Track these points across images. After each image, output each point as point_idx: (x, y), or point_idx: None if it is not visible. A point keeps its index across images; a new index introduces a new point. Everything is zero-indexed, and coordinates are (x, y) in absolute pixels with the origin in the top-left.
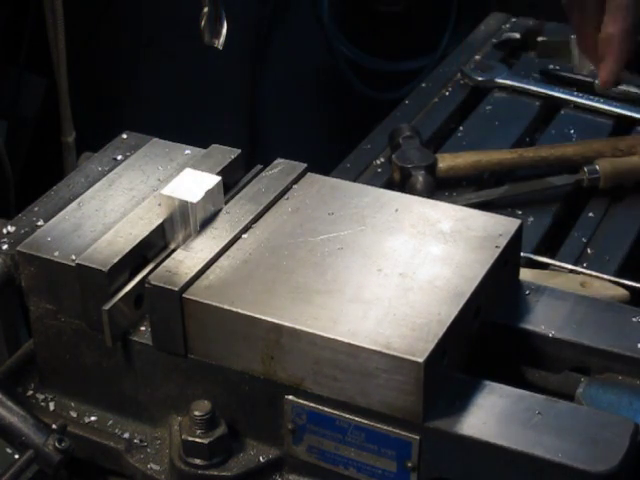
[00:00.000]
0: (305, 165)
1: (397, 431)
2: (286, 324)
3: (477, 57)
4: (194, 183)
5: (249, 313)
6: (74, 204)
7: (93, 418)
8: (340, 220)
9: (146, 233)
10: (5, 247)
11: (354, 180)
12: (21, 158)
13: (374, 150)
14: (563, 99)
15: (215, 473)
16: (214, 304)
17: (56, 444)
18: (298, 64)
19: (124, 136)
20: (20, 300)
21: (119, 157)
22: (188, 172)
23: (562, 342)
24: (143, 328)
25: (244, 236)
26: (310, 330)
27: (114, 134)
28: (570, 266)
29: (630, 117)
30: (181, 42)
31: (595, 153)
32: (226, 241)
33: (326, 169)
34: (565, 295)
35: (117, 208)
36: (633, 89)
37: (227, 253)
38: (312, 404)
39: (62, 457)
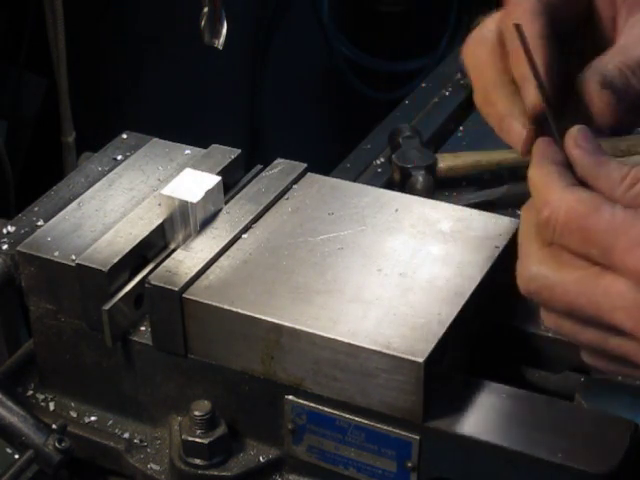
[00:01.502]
0: (305, 165)
1: (397, 431)
2: (286, 324)
3: None
4: (194, 183)
5: (249, 313)
6: (74, 204)
7: (93, 418)
8: (340, 220)
9: (146, 233)
10: (5, 247)
11: (354, 180)
12: (21, 158)
13: (374, 150)
14: None
15: (215, 473)
16: (214, 304)
17: (56, 444)
18: (298, 64)
19: (124, 136)
20: (20, 300)
21: (119, 157)
22: (188, 172)
23: (562, 342)
24: (143, 328)
25: (244, 236)
26: (310, 330)
27: (114, 134)
28: None
29: None
30: (181, 42)
31: None
32: (226, 241)
33: (326, 169)
34: None
35: (117, 208)
36: None
37: (227, 253)
38: (312, 404)
39: (62, 457)
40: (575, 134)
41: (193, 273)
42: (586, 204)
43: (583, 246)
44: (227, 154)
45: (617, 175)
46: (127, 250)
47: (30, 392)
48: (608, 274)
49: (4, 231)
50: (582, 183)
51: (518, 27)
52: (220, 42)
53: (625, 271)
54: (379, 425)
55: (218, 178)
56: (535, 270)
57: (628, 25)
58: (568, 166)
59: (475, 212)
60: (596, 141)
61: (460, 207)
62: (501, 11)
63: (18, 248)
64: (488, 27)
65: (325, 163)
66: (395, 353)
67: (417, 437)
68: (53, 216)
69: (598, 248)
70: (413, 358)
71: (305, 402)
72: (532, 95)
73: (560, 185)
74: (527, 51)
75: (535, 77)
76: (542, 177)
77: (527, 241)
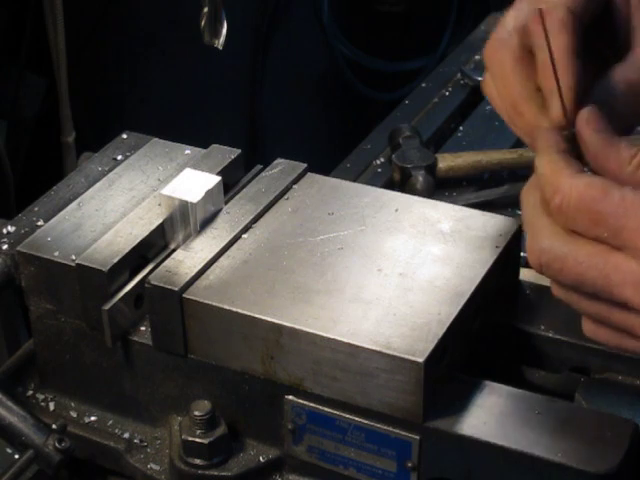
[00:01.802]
0: (305, 165)
1: (397, 431)
2: (286, 324)
3: (477, 57)
4: (194, 183)
5: (249, 313)
6: (74, 204)
7: (93, 418)
8: (340, 220)
9: (146, 233)
10: (5, 247)
11: (354, 180)
12: (21, 158)
13: (374, 150)
14: None
15: (215, 473)
16: (214, 304)
17: (56, 444)
18: (298, 64)
19: (124, 136)
20: (20, 300)
21: (119, 157)
22: (188, 172)
23: (562, 342)
24: (143, 328)
25: (244, 236)
26: (310, 330)
27: (114, 134)
28: None
29: None
30: (181, 42)
31: None
32: (226, 241)
33: (326, 169)
34: None
35: (117, 208)
36: None
37: (227, 253)
38: (312, 404)
39: (62, 457)
40: (586, 114)
41: (193, 273)
42: (596, 188)
43: (594, 229)
44: (227, 154)
45: (626, 155)
46: (127, 250)
47: (30, 392)
48: (619, 252)
49: (4, 231)
50: (590, 170)
51: (548, 43)
52: (220, 42)
53: (636, 250)
54: (379, 425)
55: (218, 178)
56: (547, 243)
57: None
58: (573, 155)
59: (475, 212)
60: (606, 122)
61: (460, 207)
62: (526, 13)
63: (18, 248)
64: (508, 28)
65: (325, 163)
66: (395, 353)
67: (417, 437)
68: (53, 216)
69: (609, 230)
70: (413, 358)
71: (305, 402)
72: (556, 110)
73: (568, 172)
74: (554, 68)
75: (559, 94)
76: (550, 165)
77: (536, 218)
